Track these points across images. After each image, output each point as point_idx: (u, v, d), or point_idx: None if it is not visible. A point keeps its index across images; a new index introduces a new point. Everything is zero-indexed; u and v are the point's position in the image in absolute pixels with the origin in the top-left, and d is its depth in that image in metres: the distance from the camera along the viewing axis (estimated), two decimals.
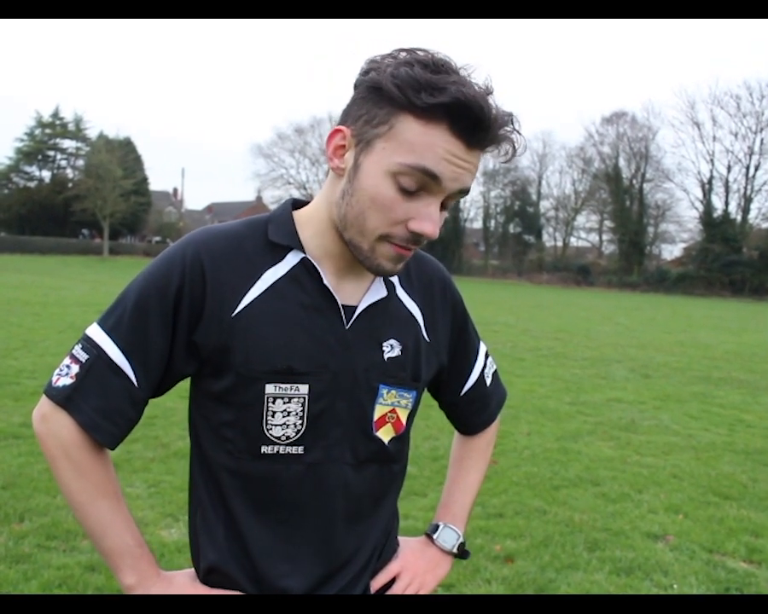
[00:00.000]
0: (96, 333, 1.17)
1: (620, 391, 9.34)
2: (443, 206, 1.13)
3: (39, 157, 61.33)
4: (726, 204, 53.39)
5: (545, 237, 61.12)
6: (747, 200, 53.02)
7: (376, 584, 1.32)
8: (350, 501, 1.24)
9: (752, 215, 53.45)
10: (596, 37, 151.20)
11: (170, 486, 4.65)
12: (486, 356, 1.46)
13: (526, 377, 9.89)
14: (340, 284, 1.21)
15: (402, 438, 1.30)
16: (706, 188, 53.76)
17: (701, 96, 77.42)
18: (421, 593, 1.37)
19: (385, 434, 1.26)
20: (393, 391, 1.25)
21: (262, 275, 1.18)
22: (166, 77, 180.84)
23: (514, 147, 1.11)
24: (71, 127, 62.06)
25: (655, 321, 22.81)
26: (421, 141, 1.05)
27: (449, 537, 1.44)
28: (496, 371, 1.50)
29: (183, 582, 1.25)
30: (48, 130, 61.68)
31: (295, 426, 1.18)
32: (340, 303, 1.19)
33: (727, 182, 53.55)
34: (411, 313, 1.29)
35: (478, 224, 62.35)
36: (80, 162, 60.98)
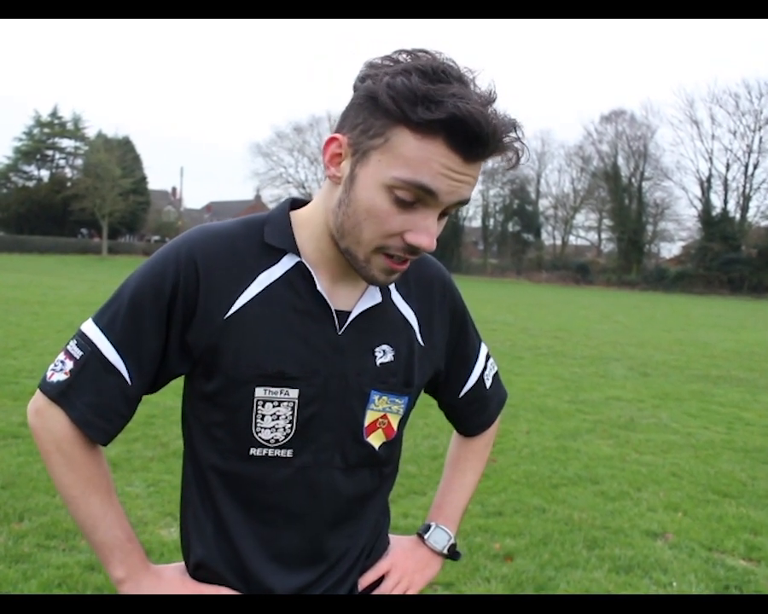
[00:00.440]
0: (91, 329, 1.17)
1: (619, 390, 9.34)
2: (443, 214, 1.11)
3: (38, 156, 61.28)
4: (725, 202, 53.46)
5: (544, 236, 61.20)
6: (746, 199, 53.07)
7: (364, 582, 1.33)
8: (339, 504, 1.25)
9: (750, 213, 53.54)
10: (594, 37, 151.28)
11: (169, 485, 4.65)
12: (487, 358, 1.45)
13: (525, 375, 9.89)
14: (334, 289, 1.20)
15: (392, 443, 1.30)
16: (705, 186, 53.81)
17: (699, 95, 77.61)
18: (410, 592, 1.37)
19: (375, 440, 1.26)
20: (385, 397, 1.25)
21: (256, 277, 1.17)
22: (165, 76, 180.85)
23: (517, 154, 1.08)
24: (69, 126, 62.02)
25: (654, 319, 22.83)
26: (417, 156, 1.03)
27: (440, 538, 1.43)
28: (497, 373, 1.49)
29: (173, 576, 1.26)
30: (46, 130, 61.63)
31: (284, 430, 1.19)
32: (333, 308, 1.19)
33: (726, 180, 53.61)
34: (406, 318, 1.28)
35: (477, 223, 62.38)
36: (79, 161, 60.99)
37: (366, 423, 1.24)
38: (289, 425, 1.18)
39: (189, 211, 78.66)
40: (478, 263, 59.82)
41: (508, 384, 1.54)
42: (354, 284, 1.21)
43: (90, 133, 61.71)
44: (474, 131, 1.01)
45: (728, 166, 53.87)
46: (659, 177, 56.43)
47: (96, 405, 1.15)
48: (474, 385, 1.42)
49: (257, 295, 1.17)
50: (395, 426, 1.28)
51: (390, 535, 1.42)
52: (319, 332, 1.18)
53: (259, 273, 1.18)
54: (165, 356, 1.18)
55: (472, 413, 1.46)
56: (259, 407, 1.17)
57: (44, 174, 61.81)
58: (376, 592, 1.34)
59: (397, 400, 1.27)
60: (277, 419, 1.18)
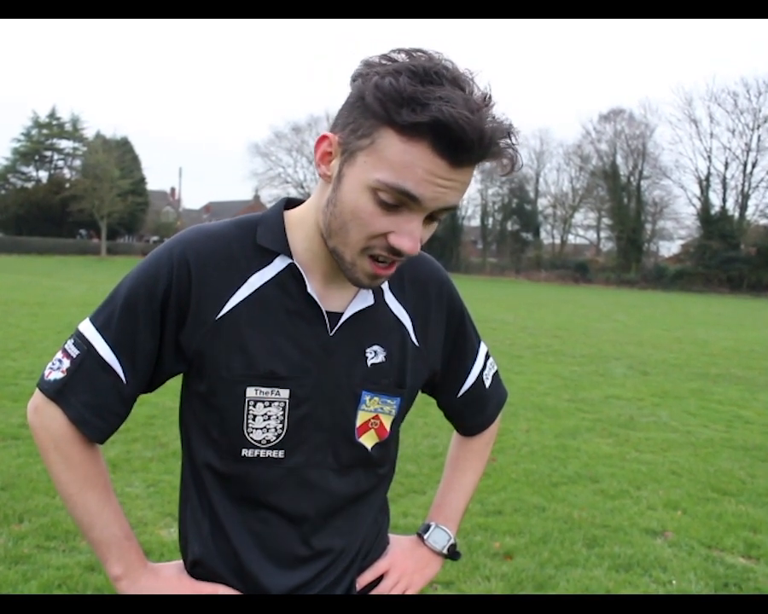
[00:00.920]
0: (88, 329, 1.19)
1: (619, 388, 9.35)
2: (432, 218, 1.10)
3: (36, 157, 61.30)
4: (724, 201, 53.44)
5: (543, 235, 61.15)
6: (745, 197, 53.05)
7: (362, 581, 1.33)
8: (333, 504, 1.25)
9: (749, 211, 53.51)
10: (593, 36, 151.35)
11: (169, 485, 4.65)
12: (487, 357, 1.45)
13: (524, 374, 9.89)
14: (326, 290, 1.20)
15: (386, 444, 1.30)
16: (704, 184, 53.79)
17: (698, 93, 77.46)
18: (409, 592, 1.37)
19: (368, 440, 1.26)
20: (376, 398, 1.25)
21: (248, 278, 1.18)
22: (164, 76, 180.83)
23: (512, 161, 1.06)
24: (68, 127, 62.02)
25: (653, 318, 22.83)
26: (401, 160, 1.01)
27: (440, 538, 1.44)
28: (496, 372, 1.48)
29: (170, 574, 1.27)
30: (45, 131, 61.62)
31: (276, 430, 1.19)
32: (325, 310, 1.19)
33: (724, 178, 53.58)
34: (399, 319, 1.28)
35: (476, 222, 62.33)
36: (77, 162, 61.01)
37: (358, 424, 1.24)
38: (281, 426, 1.19)
39: (188, 212, 78.63)
40: (477, 262, 59.81)
41: (507, 383, 1.54)
42: (347, 285, 1.21)
43: (89, 134, 61.86)
44: (457, 136, 0.98)
45: (726, 165, 53.89)
46: (657, 176, 56.43)
47: (91, 404, 1.17)
48: (473, 384, 1.41)
49: (248, 296, 1.17)
50: (388, 427, 1.28)
51: (389, 535, 1.42)
52: (310, 333, 1.19)
53: (251, 274, 1.18)
54: (160, 356, 1.19)
55: (471, 412, 1.45)
56: (251, 407, 1.18)
57: (43, 175, 61.90)
58: (374, 591, 1.34)
59: (389, 401, 1.27)
60: (268, 419, 1.18)
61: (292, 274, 1.18)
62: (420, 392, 1.37)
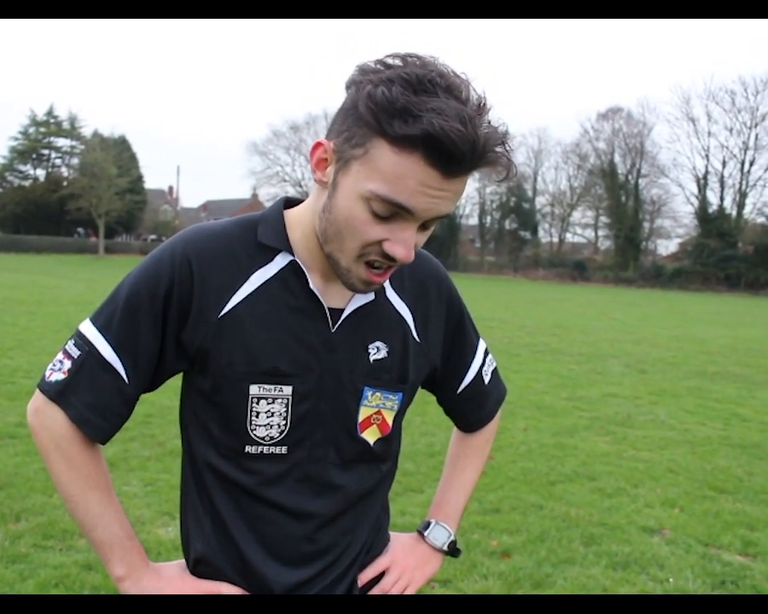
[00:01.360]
0: (89, 329, 1.19)
1: (616, 387, 9.36)
2: (425, 226, 1.10)
3: (34, 156, 61.21)
4: (721, 199, 53.50)
5: (541, 233, 61.16)
6: (743, 195, 53.11)
7: (364, 578, 1.33)
8: (335, 500, 1.25)
9: (747, 210, 53.59)
10: (591, 34, 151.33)
11: (166, 485, 4.65)
12: (486, 354, 1.45)
13: (522, 373, 9.90)
14: (327, 287, 1.21)
15: (389, 439, 1.31)
16: (702, 183, 53.85)
17: (696, 92, 77.14)
18: (410, 589, 1.37)
19: (370, 435, 1.27)
20: (378, 393, 1.26)
21: (250, 276, 1.19)
22: (162, 75, 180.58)
23: (506, 168, 1.06)
24: (65, 125, 61.91)
25: (651, 316, 22.85)
26: (394, 171, 1.02)
27: (440, 535, 1.44)
28: (495, 368, 1.49)
29: (172, 573, 1.27)
30: (42, 129, 61.52)
31: (279, 427, 1.20)
32: (326, 306, 1.20)
33: (722, 177, 53.63)
34: (400, 314, 1.28)
35: (474, 220, 62.32)
36: (75, 160, 60.91)
37: (360, 419, 1.25)
38: (284, 422, 1.19)
39: (186, 210, 78.56)
40: (475, 260, 59.80)
41: (505, 381, 1.54)
42: None
43: (86, 132, 61.64)
44: (449, 149, 0.99)
45: (724, 163, 53.94)
46: (655, 174, 56.45)
47: (93, 404, 1.17)
48: (472, 380, 1.42)
49: (251, 294, 1.18)
50: (390, 422, 1.29)
51: (390, 532, 1.43)
52: (312, 329, 1.19)
53: (253, 272, 1.19)
54: (162, 354, 1.19)
55: (470, 409, 1.46)
56: (254, 404, 1.18)
57: (40, 173, 61.78)
58: (376, 588, 1.34)
59: (391, 396, 1.27)
60: (272, 416, 1.19)
61: (293, 270, 1.19)
62: (419, 389, 1.38)
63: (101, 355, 1.16)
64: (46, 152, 61.89)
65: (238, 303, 1.17)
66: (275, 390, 1.18)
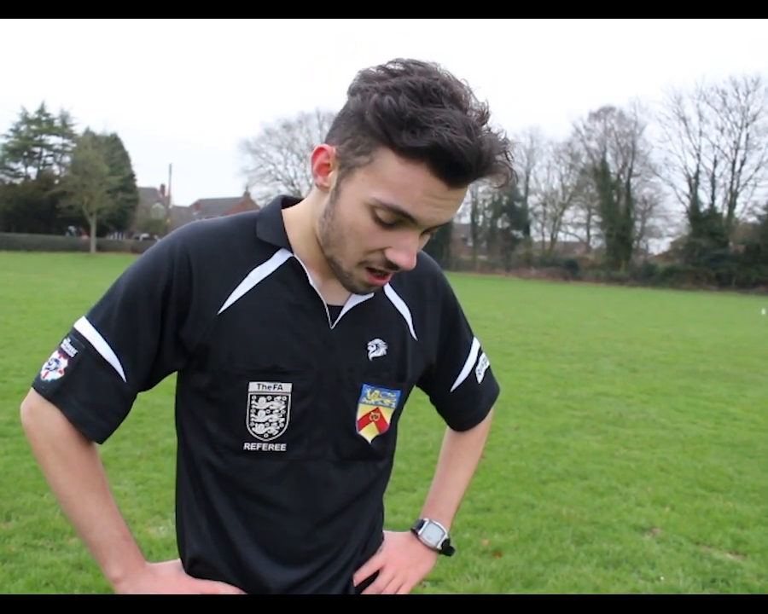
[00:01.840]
0: (85, 327, 1.17)
1: (608, 386, 9.39)
2: (426, 232, 1.12)
3: (25, 153, 60.94)
4: (713, 198, 53.82)
5: (533, 232, 61.41)
6: (734, 195, 53.44)
7: (359, 577, 1.33)
8: (333, 498, 1.25)
9: (738, 209, 53.99)
10: (583, 34, 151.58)
11: (158, 484, 4.64)
12: (479, 353, 1.46)
13: (513, 372, 9.91)
14: (326, 284, 1.21)
15: (386, 437, 1.31)
16: (693, 182, 54.18)
17: (687, 92, 77.56)
18: (404, 588, 1.38)
19: (368, 433, 1.27)
20: (377, 391, 1.26)
21: (249, 273, 1.18)
22: (154, 73, 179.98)
23: (506, 176, 1.07)
24: (57, 123, 61.65)
25: (643, 315, 22.93)
26: (399, 181, 1.03)
27: (433, 534, 1.44)
28: (489, 368, 1.49)
29: (169, 573, 1.26)
30: (33, 127, 61.26)
31: (278, 424, 1.19)
32: (325, 303, 1.20)
33: (713, 176, 53.96)
34: (399, 312, 1.29)
35: (466, 220, 62.46)
36: (66, 159, 60.65)
37: (358, 416, 1.25)
38: (283, 420, 1.19)
39: (178, 209, 78.31)
40: (467, 259, 59.96)
41: (497, 380, 1.55)
42: None
43: (78, 130, 61.42)
44: (456, 162, 1.00)
45: (715, 163, 54.29)
46: (647, 174, 56.80)
47: (91, 403, 1.16)
48: (466, 379, 1.43)
49: (249, 291, 1.18)
50: (388, 420, 1.29)
51: (384, 531, 1.43)
52: (312, 326, 1.19)
53: (252, 269, 1.19)
54: (160, 352, 1.18)
55: (463, 407, 1.46)
56: (253, 401, 1.18)
57: (32, 171, 61.53)
58: (371, 587, 1.35)
59: (389, 394, 1.28)
60: (271, 413, 1.19)
61: (292, 267, 1.19)
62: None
63: (98, 353, 1.15)
64: (38, 150, 61.63)
65: (237, 300, 1.17)
66: (274, 387, 1.18)
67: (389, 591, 1.36)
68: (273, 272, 1.19)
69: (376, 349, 1.25)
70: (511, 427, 6.77)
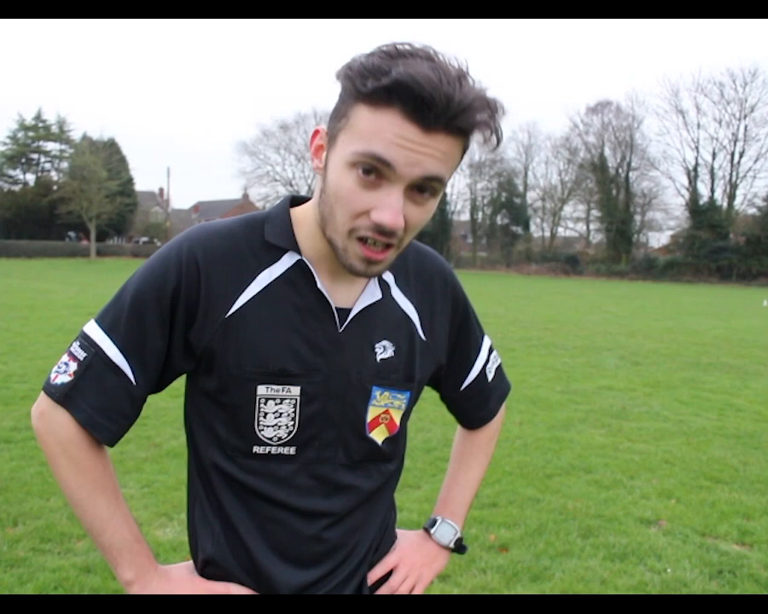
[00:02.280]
0: (94, 331, 1.17)
1: (611, 379, 9.39)
2: (421, 190, 1.06)
3: (23, 160, 60.86)
4: (712, 191, 53.67)
5: (533, 228, 61.24)
6: (733, 187, 53.31)
7: (373, 576, 1.33)
8: (345, 500, 1.25)
9: (737, 201, 53.79)
10: (579, 28, 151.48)
11: (163, 486, 4.65)
12: (490, 351, 1.45)
13: (516, 367, 9.91)
14: (334, 286, 1.20)
15: (396, 438, 1.31)
16: (692, 175, 54.03)
17: (684, 84, 77.52)
18: (418, 587, 1.38)
19: (378, 435, 1.27)
20: (387, 393, 1.25)
21: (257, 276, 1.18)
22: (150, 77, 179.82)
23: (495, 132, 1.03)
24: (54, 129, 61.54)
25: (644, 308, 22.92)
26: (370, 128, 1.01)
27: (446, 532, 1.44)
28: (500, 366, 1.49)
29: (181, 575, 1.26)
30: (31, 133, 61.14)
31: (287, 428, 1.19)
32: (334, 306, 1.19)
33: (712, 169, 53.82)
34: (406, 313, 1.28)
35: (465, 216, 62.40)
36: (64, 164, 60.51)
37: (369, 419, 1.25)
38: (292, 423, 1.19)
39: (177, 212, 78.30)
40: (467, 256, 59.89)
41: None
42: (354, 280, 1.21)
43: (75, 136, 61.27)
44: (425, 96, 0.97)
45: (714, 155, 54.14)
46: (645, 167, 56.62)
47: (101, 406, 1.15)
48: (476, 378, 1.42)
49: (258, 293, 1.17)
50: (398, 421, 1.29)
51: (396, 530, 1.43)
52: (320, 329, 1.19)
53: (260, 271, 1.18)
54: (169, 355, 1.18)
55: (474, 406, 1.46)
56: (262, 405, 1.17)
57: (30, 178, 61.39)
58: (384, 587, 1.35)
59: (398, 395, 1.27)
60: (280, 416, 1.18)
61: (301, 270, 1.18)
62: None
63: (107, 356, 1.15)
64: (35, 156, 61.52)
65: (245, 303, 1.16)
66: (283, 390, 1.17)
67: (403, 590, 1.36)
68: (281, 275, 1.18)
69: (384, 351, 1.24)
70: (515, 422, 6.78)
